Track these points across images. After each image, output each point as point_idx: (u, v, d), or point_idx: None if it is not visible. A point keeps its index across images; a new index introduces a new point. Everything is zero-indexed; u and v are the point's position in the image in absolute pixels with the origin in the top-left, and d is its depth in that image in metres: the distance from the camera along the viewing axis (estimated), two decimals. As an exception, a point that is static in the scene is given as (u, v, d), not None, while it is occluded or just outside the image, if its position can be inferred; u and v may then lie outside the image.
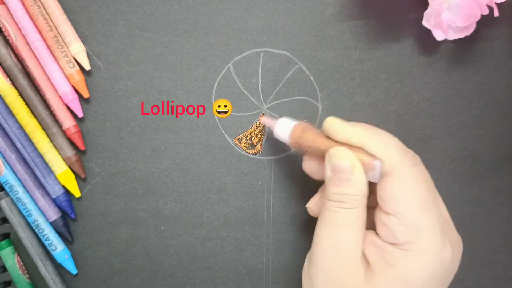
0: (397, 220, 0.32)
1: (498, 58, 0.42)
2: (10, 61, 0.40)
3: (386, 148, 0.33)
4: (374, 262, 0.32)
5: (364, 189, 0.33)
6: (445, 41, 0.42)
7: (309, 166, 0.38)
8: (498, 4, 0.38)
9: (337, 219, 0.33)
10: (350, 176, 0.32)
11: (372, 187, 0.35)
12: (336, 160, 0.33)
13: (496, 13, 0.38)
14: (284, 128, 0.37)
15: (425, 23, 0.40)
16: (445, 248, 0.32)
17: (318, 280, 0.33)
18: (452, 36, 0.40)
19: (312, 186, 0.43)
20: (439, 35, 0.40)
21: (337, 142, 0.34)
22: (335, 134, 0.34)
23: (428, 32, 0.40)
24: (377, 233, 0.34)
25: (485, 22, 0.40)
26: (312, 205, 0.38)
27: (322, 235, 0.33)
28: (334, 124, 0.35)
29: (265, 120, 0.40)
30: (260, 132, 0.42)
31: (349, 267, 0.32)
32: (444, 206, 0.36)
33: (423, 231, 0.31)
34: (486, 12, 0.38)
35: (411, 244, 0.31)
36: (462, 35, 0.40)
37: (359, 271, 0.32)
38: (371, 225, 0.35)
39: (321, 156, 0.35)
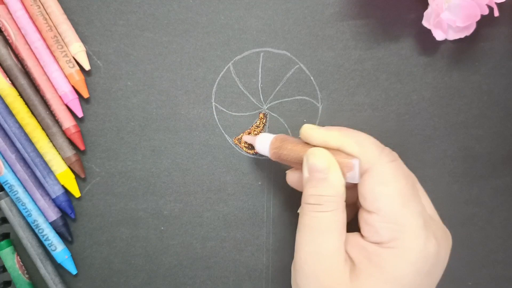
0: (380, 218, 0.32)
1: (498, 58, 0.42)
2: (10, 61, 0.40)
3: (362, 147, 0.33)
4: (360, 264, 0.32)
5: (341, 190, 0.32)
6: (445, 41, 0.42)
7: (292, 179, 0.38)
8: (498, 4, 0.38)
9: (315, 224, 0.32)
10: (326, 175, 0.32)
11: (356, 189, 0.35)
12: (312, 159, 0.33)
13: (496, 13, 0.38)
14: (264, 142, 0.38)
15: (425, 23, 0.40)
16: (429, 243, 0.31)
17: (305, 287, 0.33)
18: (452, 36, 0.40)
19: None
20: (439, 35, 0.40)
21: (315, 146, 0.34)
22: (311, 138, 0.34)
23: (428, 32, 0.40)
24: (361, 235, 0.33)
25: (485, 22, 0.40)
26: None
27: (302, 242, 0.33)
28: (310, 130, 0.35)
29: (246, 138, 0.41)
30: (259, 132, 0.42)
31: (333, 272, 0.32)
32: (429, 201, 0.36)
33: (405, 227, 0.31)
34: (486, 12, 0.39)
35: (395, 242, 0.31)
36: (462, 35, 0.40)
37: (344, 274, 0.32)
38: (357, 227, 0.35)
39: (301, 163, 0.35)
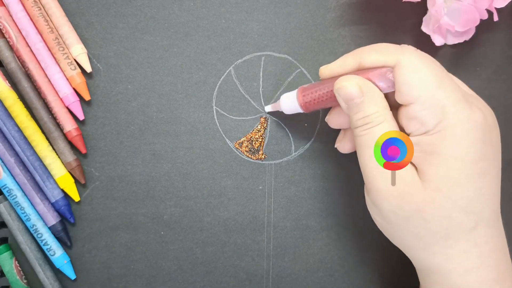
0: (420, 106, 0.32)
1: (498, 63, 0.43)
2: (14, 64, 0.39)
3: (380, 52, 0.33)
4: (419, 161, 0.33)
5: (382, 103, 0.33)
6: (444, 46, 0.42)
7: (335, 120, 0.38)
8: (497, 9, 0.39)
9: (371, 139, 0.33)
10: (362, 98, 0.33)
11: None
12: (342, 91, 0.33)
13: (495, 18, 0.38)
14: (289, 98, 0.39)
15: (424, 28, 0.40)
16: (473, 113, 0.32)
17: (382, 203, 0.33)
18: (451, 41, 0.41)
19: (313, 191, 0.43)
20: (438, 40, 0.40)
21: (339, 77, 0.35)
22: (330, 72, 0.36)
23: (427, 37, 0.41)
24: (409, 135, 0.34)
25: (484, 26, 0.40)
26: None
27: (365, 161, 0.33)
28: (326, 67, 0.36)
29: (269, 108, 0.41)
30: (261, 136, 0.42)
31: (401, 177, 0.32)
32: (460, 81, 0.36)
33: (446, 106, 0.31)
34: (485, 17, 0.39)
35: (441, 124, 0.31)
36: (461, 40, 0.40)
37: (412, 175, 0.32)
38: None
39: (335, 99, 0.35)
